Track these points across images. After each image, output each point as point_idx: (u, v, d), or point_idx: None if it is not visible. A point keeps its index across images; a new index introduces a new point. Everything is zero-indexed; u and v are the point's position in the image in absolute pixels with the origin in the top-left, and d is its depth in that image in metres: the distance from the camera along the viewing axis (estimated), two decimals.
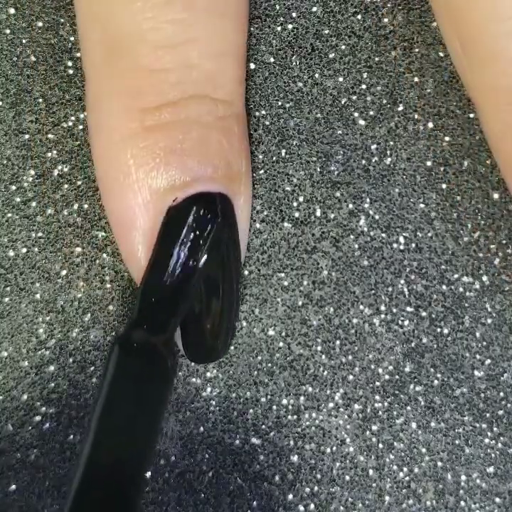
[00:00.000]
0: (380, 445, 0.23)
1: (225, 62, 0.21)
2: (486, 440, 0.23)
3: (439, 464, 0.23)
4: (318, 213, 0.23)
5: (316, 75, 0.23)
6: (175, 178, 0.21)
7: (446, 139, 0.23)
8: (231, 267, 0.22)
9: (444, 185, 0.23)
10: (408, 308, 0.23)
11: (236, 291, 0.22)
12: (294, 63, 0.23)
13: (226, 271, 0.21)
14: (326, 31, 0.23)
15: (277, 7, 0.23)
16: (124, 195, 0.21)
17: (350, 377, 0.23)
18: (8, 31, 0.23)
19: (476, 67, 0.20)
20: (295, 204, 0.23)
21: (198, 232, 0.21)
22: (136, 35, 0.20)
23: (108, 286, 0.23)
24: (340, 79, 0.23)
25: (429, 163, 0.23)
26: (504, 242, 0.23)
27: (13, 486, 0.23)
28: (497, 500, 0.23)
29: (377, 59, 0.23)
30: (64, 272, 0.23)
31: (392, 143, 0.23)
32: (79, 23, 0.22)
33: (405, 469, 0.23)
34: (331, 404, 0.23)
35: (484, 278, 0.23)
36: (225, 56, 0.21)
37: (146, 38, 0.20)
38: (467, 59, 0.20)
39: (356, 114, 0.23)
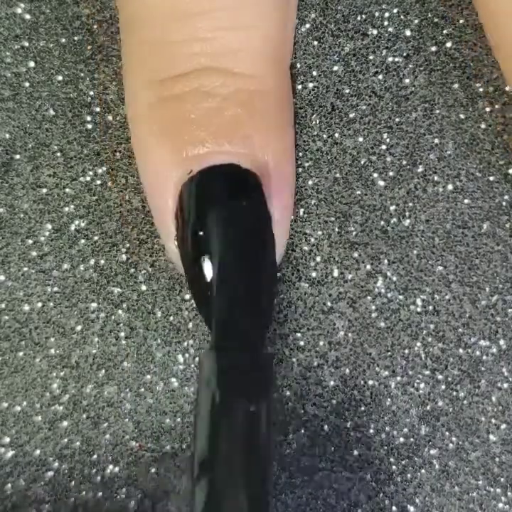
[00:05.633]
0: (394, 508, 0.23)
1: (250, 36, 0.21)
2: (500, 505, 0.23)
3: None
4: (335, 274, 0.23)
5: (336, 135, 0.23)
6: (188, 149, 0.20)
7: (466, 201, 0.23)
8: (264, 253, 0.21)
9: (462, 248, 0.23)
10: (424, 371, 0.23)
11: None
12: (314, 122, 0.23)
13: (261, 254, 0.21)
14: (347, 91, 0.23)
15: (298, 65, 0.23)
16: (146, 168, 0.21)
17: (365, 439, 0.23)
18: (27, 84, 0.23)
19: None
20: (312, 264, 0.23)
21: (216, 207, 0.20)
22: (149, 7, 0.20)
23: (123, 342, 0.23)
24: (360, 139, 0.23)
25: (448, 226, 0.23)
26: None
27: None
28: None
29: (397, 120, 0.23)
30: (79, 328, 0.23)
31: (411, 204, 0.23)
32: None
33: None
34: (345, 466, 0.23)
35: (501, 342, 0.23)
36: (251, 30, 0.21)
37: (157, 10, 0.20)
38: None
39: (375, 175, 0.23)
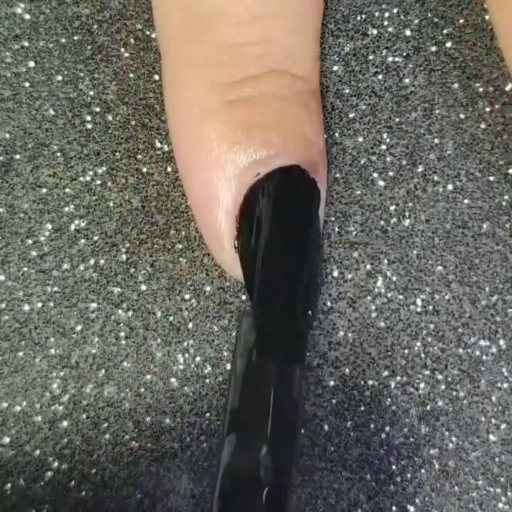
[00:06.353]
0: (394, 508, 0.23)
1: (303, 38, 0.21)
2: (500, 505, 0.23)
3: None
4: (335, 273, 0.23)
5: (336, 135, 0.23)
6: (257, 152, 0.20)
7: (466, 201, 0.23)
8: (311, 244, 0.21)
9: (462, 248, 0.23)
10: (424, 371, 0.23)
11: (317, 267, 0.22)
12: None
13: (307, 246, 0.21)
14: (347, 91, 0.23)
15: None
16: (205, 171, 0.21)
17: (365, 439, 0.23)
18: (27, 84, 0.23)
19: None
20: None
21: (281, 207, 0.20)
22: (217, 9, 0.20)
23: (123, 342, 0.23)
24: (360, 139, 0.23)
25: (448, 226, 0.23)
26: None
27: None
28: None
29: (397, 120, 0.23)
30: (79, 327, 0.23)
31: (411, 204, 0.23)
32: (155, 1, 0.22)
33: None
34: (345, 466, 0.23)
35: (501, 342, 0.23)
36: (303, 32, 0.21)
37: (227, 12, 0.20)
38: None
39: (375, 175, 0.23)
